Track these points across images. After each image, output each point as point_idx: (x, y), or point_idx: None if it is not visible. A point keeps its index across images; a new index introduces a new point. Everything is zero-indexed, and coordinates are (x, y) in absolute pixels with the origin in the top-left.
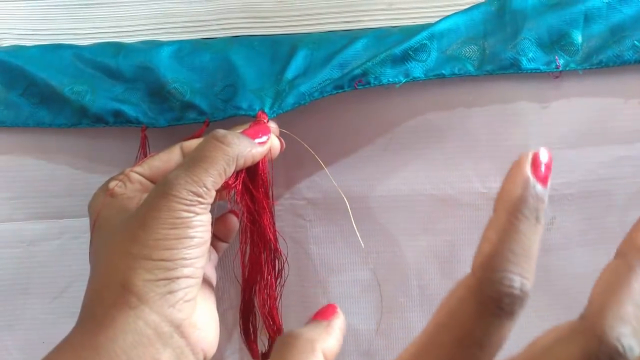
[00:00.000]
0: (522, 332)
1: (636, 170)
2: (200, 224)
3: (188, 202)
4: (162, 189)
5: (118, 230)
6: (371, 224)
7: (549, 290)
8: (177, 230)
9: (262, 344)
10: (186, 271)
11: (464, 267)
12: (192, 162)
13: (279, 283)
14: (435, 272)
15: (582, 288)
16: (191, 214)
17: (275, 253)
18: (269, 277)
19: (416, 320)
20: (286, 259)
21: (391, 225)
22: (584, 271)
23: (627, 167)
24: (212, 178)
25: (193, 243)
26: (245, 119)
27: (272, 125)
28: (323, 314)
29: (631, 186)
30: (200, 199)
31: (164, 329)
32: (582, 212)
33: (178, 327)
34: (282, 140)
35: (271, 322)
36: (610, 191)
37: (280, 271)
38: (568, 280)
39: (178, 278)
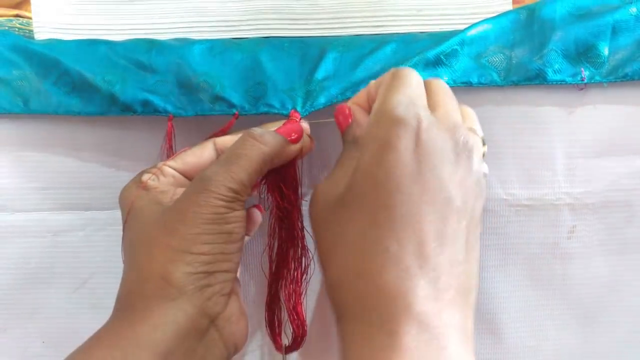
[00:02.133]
0: (538, 337)
1: None
2: (238, 220)
3: (227, 198)
4: (201, 185)
5: (155, 223)
6: None
7: (565, 298)
8: (217, 225)
9: (285, 337)
10: (224, 265)
11: (485, 273)
12: (230, 160)
13: (305, 279)
14: None
15: (598, 297)
16: (229, 210)
17: (302, 250)
18: (296, 272)
19: None
20: (312, 256)
21: None
22: (601, 281)
23: None
24: (249, 176)
25: (231, 238)
26: (276, 117)
27: (304, 124)
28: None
29: None
30: (238, 196)
31: (201, 322)
32: (603, 222)
33: (213, 321)
34: (313, 139)
35: (295, 317)
36: (632, 202)
37: (306, 267)
38: (585, 289)
39: (216, 272)
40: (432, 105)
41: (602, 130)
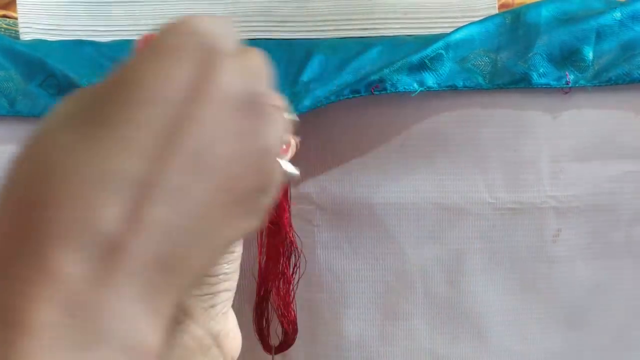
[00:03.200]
0: (524, 341)
1: None
2: (239, 238)
3: None
4: None
5: None
6: (378, 231)
7: (551, 302)
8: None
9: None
10: (226, 285)
11: (471, 276)
12: None
13: (294, 278)
14: (441, 280)
15: (583, 301)
16: None
17: (291, 248)
18: (286, 271)
19: (421, 328)
20: (301, 251)
21: (398, 232)
22: (586, 284)
23: (633, 183)
24: None
25: (232, 257)
26: None
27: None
28: None
29: (636, 201)
30: None
31: (205, 342)
32: (588, 226)
33: (216, 338)
34: (298, 141)
35: (286, 315)
36: (616, 206)
37: (296, 266)
38: (570, 293)
39: (219, 292)
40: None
41: (586, 135)
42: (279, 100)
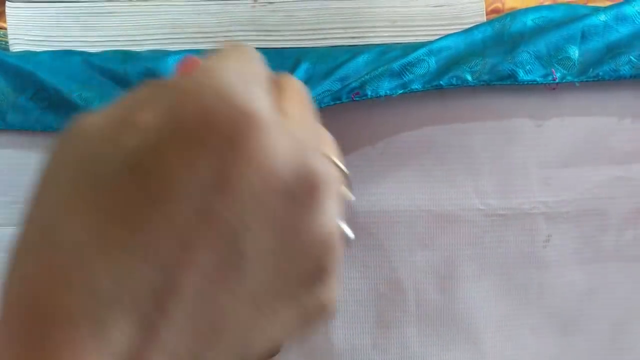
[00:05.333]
0: (516, 347)
1: (631, 191)
2: None
3: None
4: None
5: None
6: (369, 239)
7: (543, 308)
8: None
9: None
10: None
11: (462, 283)
12: None
13: None
14: (433, 288)
15: (574, 306)
16: None
17: None
18: None
19: (413, 336)
20: None
21: (389, 240)
22: (577, 289)
23: (622, 188)
24: None
25: None
26: None
27: None
28: None
29: (626, 206)
30: None
31: None
32: (577, 231)
33: None
34: None
35: None
36: (606, 211)
37: None
38: (561, 298)
39: None
40: (278, 108)
41: (575, 139)
42: (333, 169)
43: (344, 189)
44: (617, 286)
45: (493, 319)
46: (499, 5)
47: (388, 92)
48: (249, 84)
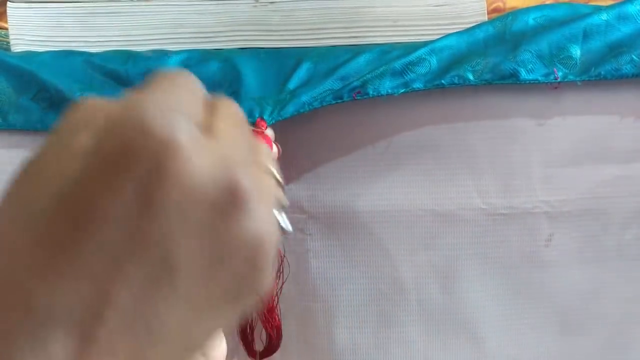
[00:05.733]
0: (518, 346)
1: (633, 190)
2: None
3: None
4: None
5: None
6: (371, 239)
7: (544, 307)
8: None
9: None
10: None
11: (464, 282)
12: None
13: (278, 282)
14: (435, 287)
15: (577, 305)
16: None
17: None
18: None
19: (415, 335)
20: (284, 255)
21: (391, 239)
22: (579, 288)
23: (624, 187)
24: None
25: None
26: None
27: (269, 132)
28: None
29: (628, 205)
30: None
31: (197, 358)
32: (579, 230)
33: (204, 353)
34: (279, 146)
35: (270, 320)
36: (607, 210)
37: (278, 271)
38: (564, 297)
39: None
40: (207, 128)
41: (577, 139)
42: (264, 178)
43: (279, 195)
44: (618, 285)
45: (494, 318)
46: (500, 4)
47: (390, 91)
48: (169, 113)
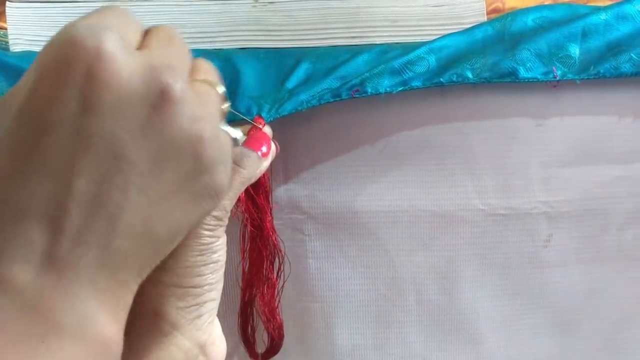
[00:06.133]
0: (517, 347)
1: (632, 190)
2: (222, 247)
3: (212, 227)
4: None
5: None
6: (370, 239)
7: (543, 307)
8: (204, 256)
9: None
10: (212, 295)
11: (463, 283)
12: None
13: (279, 282)
14: (433, 288)
15: (576, 305)
16: (214, 239)
17: (275, 250)
18: (271, 276)
19: (413, 336)
20: (285, 254)
21: (390, 240)
22: (577, 289)
23: (622, 187)
24: (231, 201)
25: (217, 267)
26: (241, 123)
27: (267, 129)
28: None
29: (627, 206)
30: (221, 222)
31: (193, 352)
32: (578, 231)
33: (202, 347)
34: (277, 144)
35: (272, 320)
36: (606, 210)
37: (279, 271)
38: (563, 298)
39: (205, 302)
40: (141, 46)
41: (576, 138)
42: (205, 73)
43: (223, 105)
44: (617, 286)
45: (493, 318)
46: (499, 4)
47: (388, 89)
48: (98, 29)
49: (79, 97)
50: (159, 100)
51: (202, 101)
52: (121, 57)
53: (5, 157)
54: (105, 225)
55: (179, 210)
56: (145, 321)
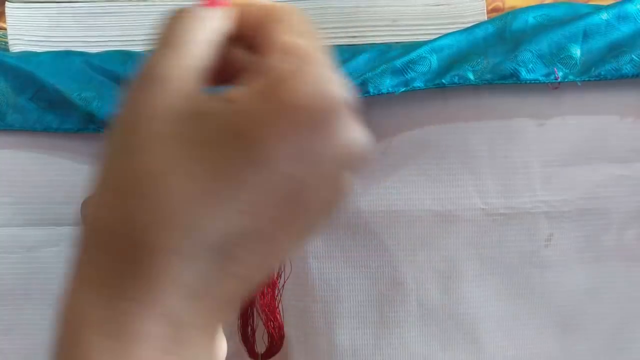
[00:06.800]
0: (518, 346)
1: (633, 190)
2: None
3: None
4: None
5: None
6: (371, 239)
7: (544, 307)
8: None
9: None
10: None
11: (464, 283)
12: None
13: (280, 282)
14: (435, 287)
15: (575, 305)
16: None
17: None
18: (272, 275)
19: (414, 336)
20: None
21: (391, 240)
22: (578, 288)
23: (623, 187)
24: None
25: None
26: None
27: None
28: None
29: (628, 205)
30: None
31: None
32: (579, 230)
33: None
34: None
35: (272, 320)
36: (607, 210)
37: (280, 271)
38: (562, 297)
39: None
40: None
41: (577, 138)
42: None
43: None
44: (618, 285)
45: (494, 318)
46: (500, 3)
47: (390, 89)
48: (330, 75)
49: (298, 142)
50: (327, 118)
51: (345, 126)
52: (348, 113)
53: (206, 174)
54: (258, 267)
55: (288, 242)
56: None
